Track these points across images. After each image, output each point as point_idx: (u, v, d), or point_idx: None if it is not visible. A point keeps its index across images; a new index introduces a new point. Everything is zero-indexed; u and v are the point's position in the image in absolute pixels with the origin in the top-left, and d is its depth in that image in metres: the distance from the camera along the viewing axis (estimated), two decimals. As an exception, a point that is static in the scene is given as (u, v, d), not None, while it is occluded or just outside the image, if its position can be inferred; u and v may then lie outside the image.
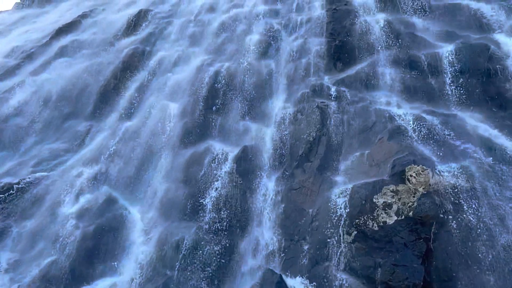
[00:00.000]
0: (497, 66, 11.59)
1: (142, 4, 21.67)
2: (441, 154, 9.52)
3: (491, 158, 9.45)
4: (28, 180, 11.81)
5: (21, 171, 12.63)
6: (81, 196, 11.10)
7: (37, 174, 12.09)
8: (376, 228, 8.47)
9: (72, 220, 10.42)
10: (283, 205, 10.30)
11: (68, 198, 11.06)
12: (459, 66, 11.90)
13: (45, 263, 9.60)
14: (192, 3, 20.47)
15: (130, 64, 16.48)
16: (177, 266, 9.35)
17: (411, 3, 14.85)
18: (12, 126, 14.71)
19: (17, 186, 11.57)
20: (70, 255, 9.67)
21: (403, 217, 8.40)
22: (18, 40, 20.98)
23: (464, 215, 8.32)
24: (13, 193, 11.40)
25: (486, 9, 13.85)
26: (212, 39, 16.93)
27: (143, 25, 19.02)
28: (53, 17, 24.37)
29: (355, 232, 8.60)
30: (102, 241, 10.09)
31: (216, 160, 11.34)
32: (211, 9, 19.47)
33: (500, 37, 12.64)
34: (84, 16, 21.68)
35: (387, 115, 10.78)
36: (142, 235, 10.48)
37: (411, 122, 10.43)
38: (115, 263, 9.81)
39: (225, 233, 9.88)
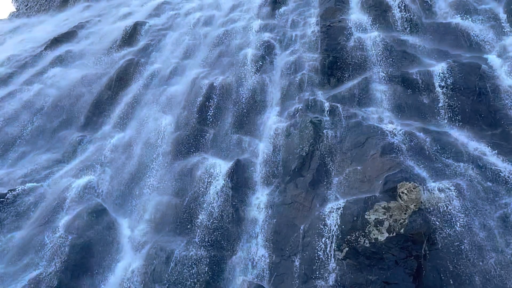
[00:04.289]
0: (488, 85, 11.77)
1: (138, 16, 21.84)
2: (432, 171, 9.57)
3: (482, 176, 9.52)
4: (17, 190, 11.64)
5: (10, 181, 12.48)
6: (71, 208, 10.93)
7: (27, 185, 11.92)
8: (368, 245, 8.45)
9: (61, 232, 10.23)
10: (274, 220, 10.26)
11: (58, 210, 10.90)
12: (450, 84, 12.06)
13: (32, 276, 9.39)
14: (188, 16, 20.65)
15: (125, 76, 16.50)
16: (167, 281, 9.23)
17: (404, 22, 15.10)
18: (3, 135, 14.60)
19: (6, 196, 11.40)
20: (58, 268, 9.46)
21: (394, 234, 8.40)
22: (13, 49, 20.99)
23: (455, 233, 8.34)
24: (1, 204, 11.23)
25: (477, 29, 14.13)
26: (207, 52, 17.04)
27: (139, 36, 19.13)
28: (49, 27, 24.44)
29: (347, 249, 8.58)
30: (91, 254, 9.93)
31: (208, 173, 11.31)
32: (207, 22, 19.66)
33: (490, 57, 12.87)
34: (80, 26, 21.79)
35: (380, 131, 10.84)
36: (132, 248, 10.35)
37: (403, 139, 10.50)
38: (104, 276, 9.65)
39: (216, 247, 9.80)
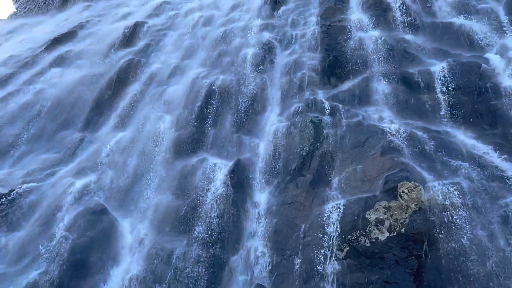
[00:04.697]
0: (488, 84, 11.77)
1: (138, 16, 21.81)
2: (433, 170, 9.57)
3: (483, 175, 9.52)
4: (18, 190, 11.65)
5: (11, 181, 12.49)
6: (72, 208, 10.95)
7: (28, 185, 11.93)
8: (368, 245, 8.45)
9: (62, 231, 10.25)
10: (275, 220, 10.25)
11: (58, 210, 10.91)
12: (451, 83, 12.05)
13: (33, 275, 9.41)
14: (188, 16, 20.63)
15: (125, 75, 16.49)
16: (167, 280, 9.23)
17: (404, 21, 15.09)
18: (3, 135, 14.61)
19: (7, 196, 11.41)
20: (59, 268, 9.47)
21: (395, 233, 8.40)
22: (13, 49, 21.00)
23: (456, 232, 8.34)
24: (3, 204, 11.24)
25: (478, 29, 14.12)
26: (207, 52, 17.01)
27: (139, 36, 19.11)
28: (48, 27, 24.45)
29: (347, 248, 8.58)
30: (92, 253, 9.93)
31: (209, 172, 11.30)
32: (207, 22, 19.64)
33: (491, 56, 12.87)
34: (80, 26, 21.79)
35: (380, 130, 10.84)
36: (133, 248, 10.35)
37: (403, 138, 10.49)
38: (104, 276, 9.66)
39: (216, 246, 9.80)
